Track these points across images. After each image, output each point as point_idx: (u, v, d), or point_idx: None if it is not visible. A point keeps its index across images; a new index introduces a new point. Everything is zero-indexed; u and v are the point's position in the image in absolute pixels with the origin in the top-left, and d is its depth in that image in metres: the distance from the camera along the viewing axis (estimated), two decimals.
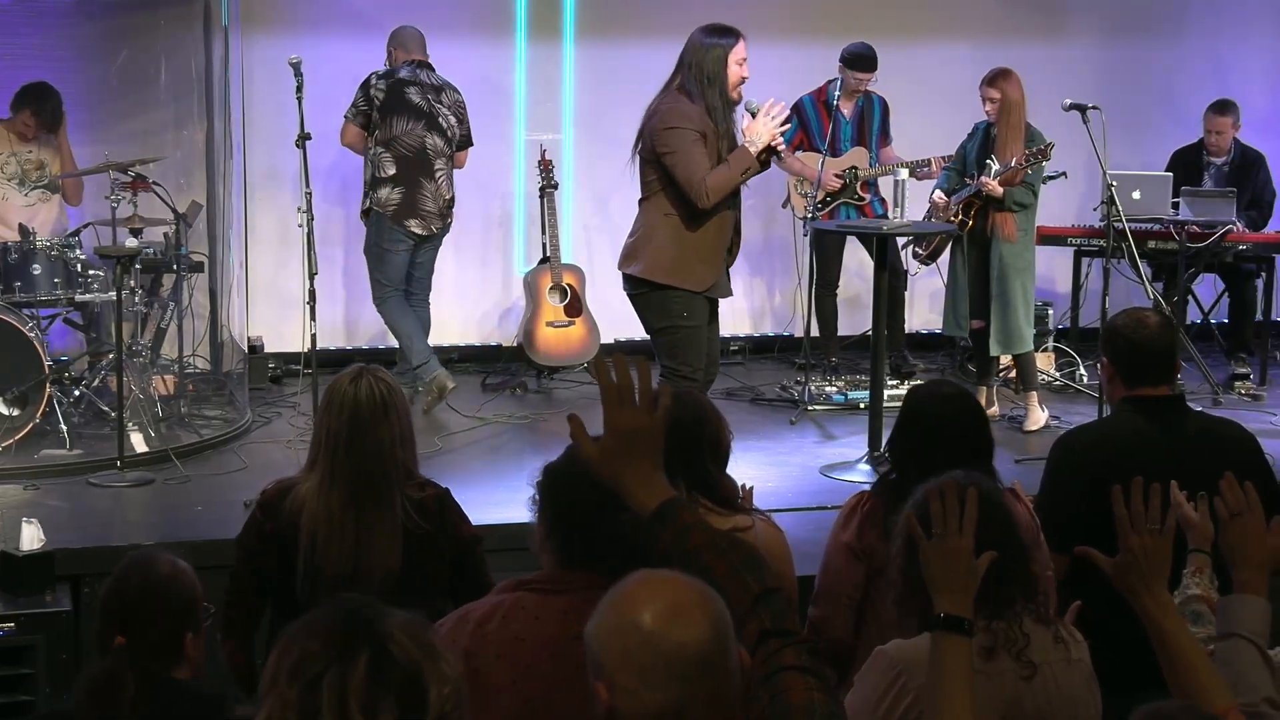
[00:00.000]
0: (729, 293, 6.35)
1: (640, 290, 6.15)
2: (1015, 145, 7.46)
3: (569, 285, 8.49)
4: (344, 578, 3.64)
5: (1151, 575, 2.74)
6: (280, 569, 3.72)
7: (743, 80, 6.07)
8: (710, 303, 6.19)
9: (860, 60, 8.40)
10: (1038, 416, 7.62)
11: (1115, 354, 4.05)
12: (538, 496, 2.77)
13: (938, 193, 7.77)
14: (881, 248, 6.98)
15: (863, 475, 6.68)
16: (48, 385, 6.75)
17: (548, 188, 8.57)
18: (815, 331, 8.47)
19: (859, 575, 3.73)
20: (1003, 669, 2.88)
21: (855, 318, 9.20)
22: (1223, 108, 8.99)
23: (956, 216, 7.60)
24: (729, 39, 6.02)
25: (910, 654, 2.83)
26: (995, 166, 7.43)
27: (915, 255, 8.45)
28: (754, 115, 6.08)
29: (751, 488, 4.08)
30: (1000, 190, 7.42)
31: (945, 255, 8.04)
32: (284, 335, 8.65)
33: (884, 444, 3.91)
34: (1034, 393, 7.69)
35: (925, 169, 8.27)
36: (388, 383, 3.77)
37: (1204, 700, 2.58)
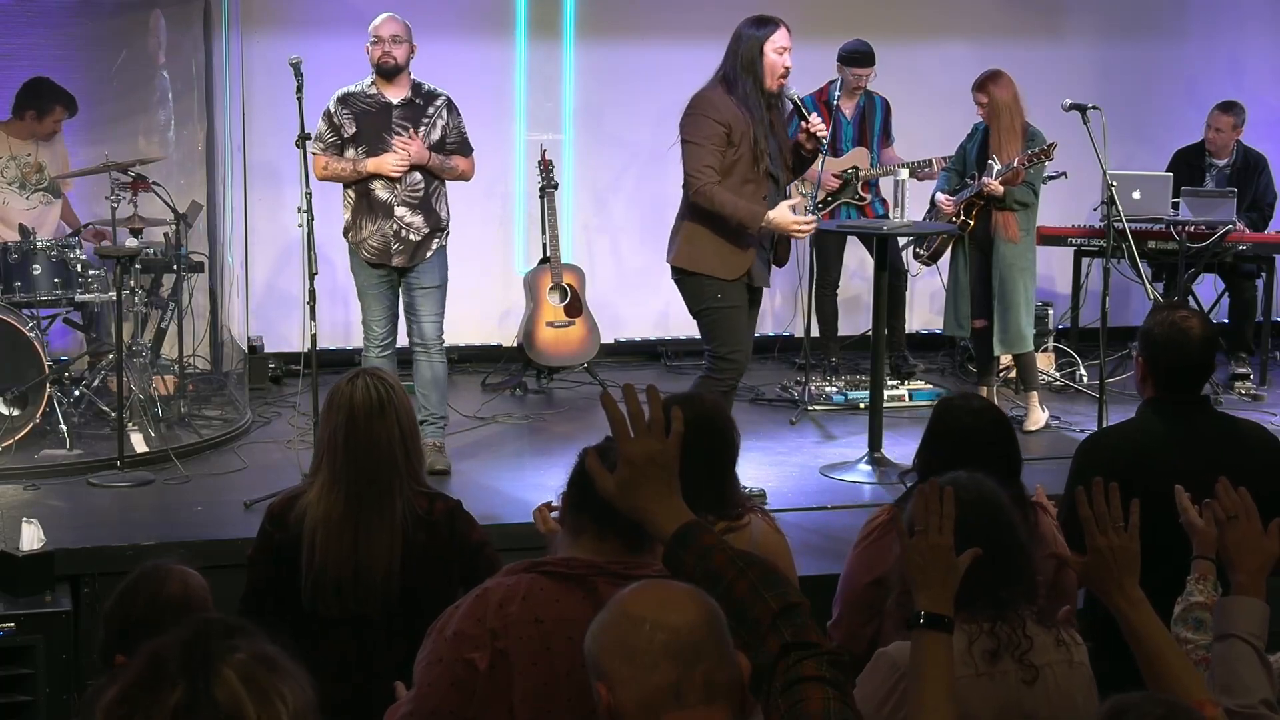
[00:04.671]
0: (767, 283, 6.25)
1: (677, 276, 6.16)
2: (1012, 146, 7.45)
3: (569, 285, 8.49)
4: (346, 580, 3.67)
5: (1122, 573, 2.75)
6: (289, 576, 3.74)
7: (785, 70, 6.08)
8: (749, 288, 6.13)
9: (857, 57, 8.41)
10: (1038, 416, 7.62)
11: (1151, 359, 3.99)
12: (569, 480, 2.81)
13: (940, 195, 7.77)
14: (881, 248, 6.98)
15: (863, 475, 6.70)
16: (48, 385, 6.75)
17: (548, 188, 8.56)
18: (815, 331, 8.47)
19: (872, 582, 3.73)
20: (1005, 671, 2.89)
21: (855, 318, 9.20)
22: (1228, 107, 9.00)
23: (958, 217, 7.61)
24: (767, 28, 6.07)
25: None
26: (997, 167, 7.43)
27: (916, 256, 8.44)
28: (794, 104, 6.18)
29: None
30: (1001, 190, 7.42)
31: (946, 256, 8.04)
32: (284, 335, 8.65)
33: (913, 456, 3.89)
34: (1034, 393, 7.69)
35: (926, 169, 8.27)
36: (386, 382, 3.77)
37: (1181, 696, 2.58)
